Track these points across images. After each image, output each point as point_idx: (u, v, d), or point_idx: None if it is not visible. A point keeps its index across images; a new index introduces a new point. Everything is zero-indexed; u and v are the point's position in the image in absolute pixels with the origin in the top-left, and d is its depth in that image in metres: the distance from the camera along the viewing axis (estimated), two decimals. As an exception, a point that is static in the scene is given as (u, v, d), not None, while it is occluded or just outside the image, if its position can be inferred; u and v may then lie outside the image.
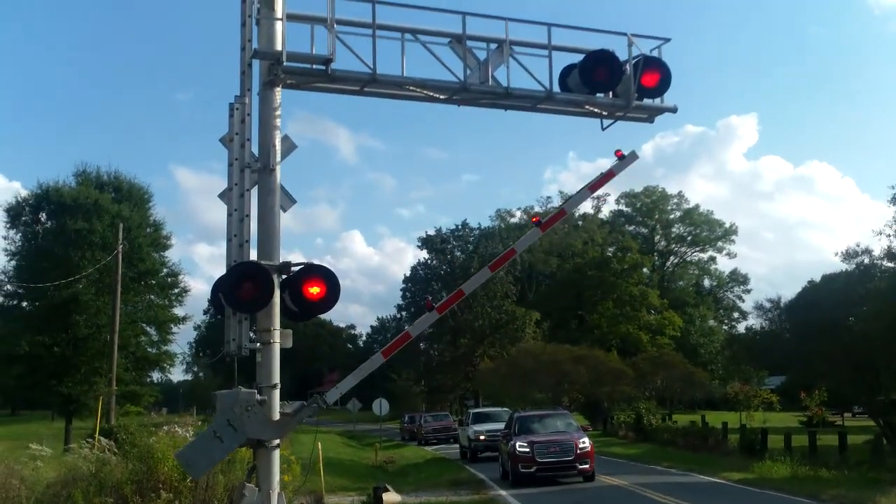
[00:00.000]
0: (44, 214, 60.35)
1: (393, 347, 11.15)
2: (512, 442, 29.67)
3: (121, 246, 41.63)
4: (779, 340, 42.30)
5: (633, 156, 12.11)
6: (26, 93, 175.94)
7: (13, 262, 60.24)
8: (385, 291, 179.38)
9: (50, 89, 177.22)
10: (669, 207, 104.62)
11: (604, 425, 58.66)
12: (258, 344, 10.50)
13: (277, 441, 10.60)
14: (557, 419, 32.40)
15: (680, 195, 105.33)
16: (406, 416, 70.22)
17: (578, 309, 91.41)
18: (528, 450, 28.83)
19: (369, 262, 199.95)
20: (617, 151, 12.08)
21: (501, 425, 36.56)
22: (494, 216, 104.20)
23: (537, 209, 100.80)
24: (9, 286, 59.31)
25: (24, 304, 60.58)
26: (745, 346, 49.99)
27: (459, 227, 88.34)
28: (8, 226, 60.41)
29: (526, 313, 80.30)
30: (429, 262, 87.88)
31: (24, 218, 60.48)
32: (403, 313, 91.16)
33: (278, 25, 10.87)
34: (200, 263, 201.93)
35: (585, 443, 29.00)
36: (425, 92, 11.66)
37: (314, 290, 10.53)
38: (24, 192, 63.33)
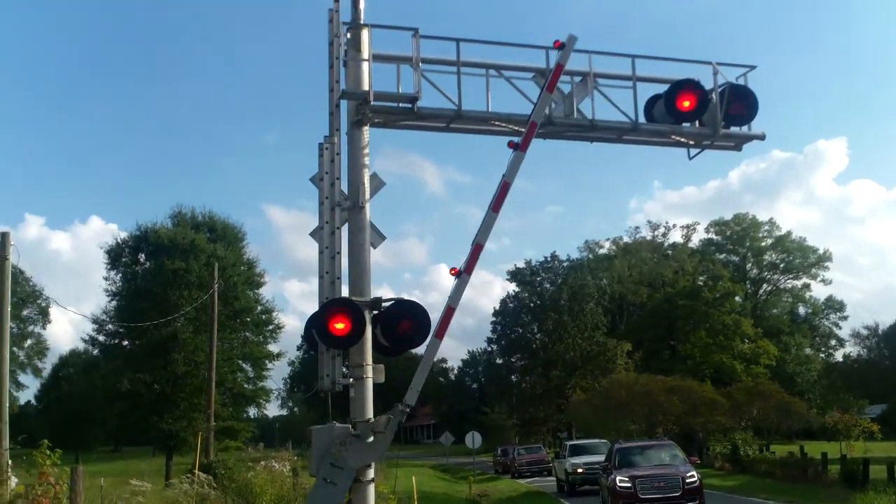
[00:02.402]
0: (143, 255, 62.23)
1: (443, 326, 10.78)
2: (612, 476, 27.43)
3: (216, 285, 42.53)
4: (878, 368, 41.10)
5: (572, 39, 11.24)
6: (120, 137, 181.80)
7: (114, 302, 62.16)
8: (474, 325, 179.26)
9: (143, 134, 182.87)
10: (760, 235, 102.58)
11: (699, 456, 57.50)
12: (351, 379, 10.63)
13: (372, 475, 10.69)
14: (662, 451, 29.72)
15: (771, 222, 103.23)
16: (499, 448, 69.82)
17: (670, 339, 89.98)
18: (629, 485, 26.40)
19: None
20: (555, 42, 11.35)
21: (599, 457, 35.59)
22: (583, 247, 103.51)
23: (626, 240, 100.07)
24: (111, 326, 61.11)
25: (125, 342, 62.32)
26: (843, 375, 48.65)
27: (548, 259, 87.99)
28: (109, 267, 62.43)
29: (617, 344, 79.41)
30: (518, 294, 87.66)
31: (124, 259, 62.48)
32: (494, 346, 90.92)
33: (365, 66, 11.10)
34: (292, 300, 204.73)
35: (694, 477, 26.57)
36: (511, 127, 11.75)
37: (405, 325, 10.65)
38: (122, 234, 65.48)
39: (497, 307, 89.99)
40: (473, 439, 55.30)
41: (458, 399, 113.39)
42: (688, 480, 26.28)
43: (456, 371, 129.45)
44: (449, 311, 10.65)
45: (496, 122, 11.73)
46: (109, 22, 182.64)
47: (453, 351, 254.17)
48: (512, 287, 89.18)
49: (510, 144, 10.98)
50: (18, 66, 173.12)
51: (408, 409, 10.60)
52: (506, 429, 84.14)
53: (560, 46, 11.29)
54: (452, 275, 11.10)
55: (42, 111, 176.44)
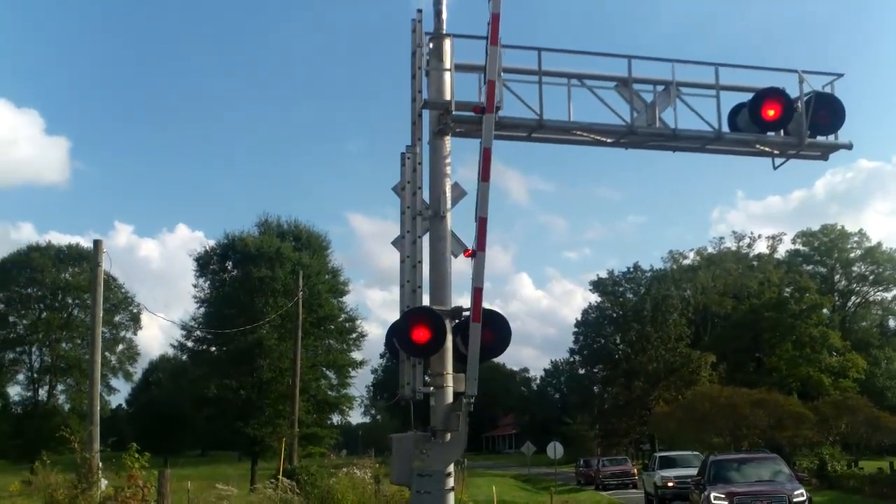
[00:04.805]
0: (230, 263, 63.41)
1: (476, 309, 10.57)
2: (706, 493, 24.43)
3: (301, 292, 43.13)
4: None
5: None
6: (205, 146, 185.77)
7: (202, 309, 63.46)
8: (556, 334, 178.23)
9: (227, 143, 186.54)
10: (849, 246, 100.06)
11: (786, 472, 56.29)
12: (432, 388, 10.71)
13: (451, 483, 10.75)
14: (763, 465, 26.60)
15: (861, 233, 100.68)
16: (582, 460, 69.18)
17: (755, 351, 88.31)
18: (726, 503, 23.64)
19: (538, 304, 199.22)
20: None
21: (690, 470, 33.80)
22: (666, 258, 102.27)
23: (710, 250, 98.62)
24: (199, 332, 62.38)
25: (213, 349, 63.52)
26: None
27: (631, 269, 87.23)
28: (197, 274, 63.83)
29: (701, 356, 78.24)
30: (600, 305, 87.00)
31: (212, 266, 63.80)
32: (576, 357, 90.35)
33: (447, 76, 11.19)
34: (374, 308, 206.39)
35: (802, 497, 23.40)
36: (592, 136, 11.74)
37: (485, 335, 10.54)
38: (210, 242, 66.80)
39: (579, 317, 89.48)
40: (555, 450, 54.90)
41: (540, 409, 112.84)
42: (795, 500, 23.19)
43: (538, 381, 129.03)
44: (477, 293, 10.47)
45: (578, 132, 11.73)
46: (195, 34, 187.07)
47: (535, 360, 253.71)
48: (594, 297, 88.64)
49: (476, 109, 10.77)
50: (107, 78, 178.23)
51: (472, 400, 10.54)
52: (588, 439, 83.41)
53: None
54: (467, 256, 10.92)
55: (129, 122, 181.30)
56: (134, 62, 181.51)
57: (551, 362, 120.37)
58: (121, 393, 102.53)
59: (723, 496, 23.72)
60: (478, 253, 10.59)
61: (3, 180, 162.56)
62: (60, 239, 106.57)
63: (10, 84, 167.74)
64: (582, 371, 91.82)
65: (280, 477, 26.33)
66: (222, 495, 22.11)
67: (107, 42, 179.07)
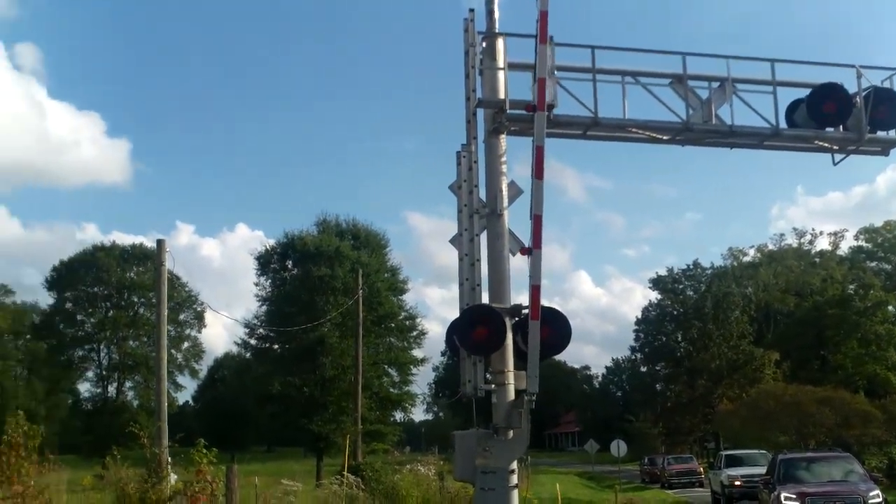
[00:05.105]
0: (290, 262, 64.17)
1: (535, 306, 10.61)
2: (776, 492, 23.31)
3: (361, 291, 43.50)
4: None
5: None
6: (264, 146, 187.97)
7: (264, 307, 64.35)
8: (616, 332, 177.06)
9: (285, 143, 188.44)
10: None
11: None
12: (493, 385, 10.84)
13: (515, 480, 10.89)
14: (834, 464, 25.39)
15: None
16: (646, 458, 68.65)
17: (820, 348, 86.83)
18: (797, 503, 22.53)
19: (598, 302, 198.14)
20: None
21: (757, 469, 33.01)
22: (726, 255, 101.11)
23: (771, 247, 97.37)
24: (261, 330, 63.26)
25: (276, 346, 64.35)
26: None
27: (690, 266, 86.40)
28: (258, 273, 64.75)
29: (764, 353, 77.21)
30: (660, 302, 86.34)
31: (272, 265, 64.63)
32: (638, 354, 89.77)
33: (500, 75, 11.30)
34: (433, 306, 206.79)
35: (878, 497, 22.19)
36: (648, 133, 11.78)
37: (545, 333, 10.62)
38: (270, 241, 67.70)
39: (639, 315, 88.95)
40: (619, 447, 54.68)
41: (602, 407, 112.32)
42: (870, 501, 22.04)
43: (600, 378, 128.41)
44: (535, 291, 10.55)
45: (633, 129, 11.77)
46: (252, 36, 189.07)
47: (596, 358, 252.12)
48: (654, 295, 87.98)
49: (528, 107, 10.85)
50: (166, 80, 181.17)
51: (533, 397, 10.63)
52: (651, 437, 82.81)
53: None
54: (523, 254, 11.00)
55: (188, 123, 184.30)
56: (191, 64, 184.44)
57: (612, 360, 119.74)
58: (187, 390, 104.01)
59: (794, 496, 22.67)
60: (534, 250, 10.67)
61: (68, 182, 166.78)
62: (124, 239, 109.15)
63: (72, 88, 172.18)
64: (644, 369, 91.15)
65: (345, 473, 26.64)
66: (288, 490, 22.47)
67: (164, 44, 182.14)
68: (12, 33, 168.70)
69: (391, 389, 65.04)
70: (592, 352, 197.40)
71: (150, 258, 67.78)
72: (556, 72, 11.16)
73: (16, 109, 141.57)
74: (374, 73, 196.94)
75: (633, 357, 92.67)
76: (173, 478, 16.76)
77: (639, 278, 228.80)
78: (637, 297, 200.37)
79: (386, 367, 64.69)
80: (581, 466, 77.67)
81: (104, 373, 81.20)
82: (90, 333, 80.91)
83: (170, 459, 18.30)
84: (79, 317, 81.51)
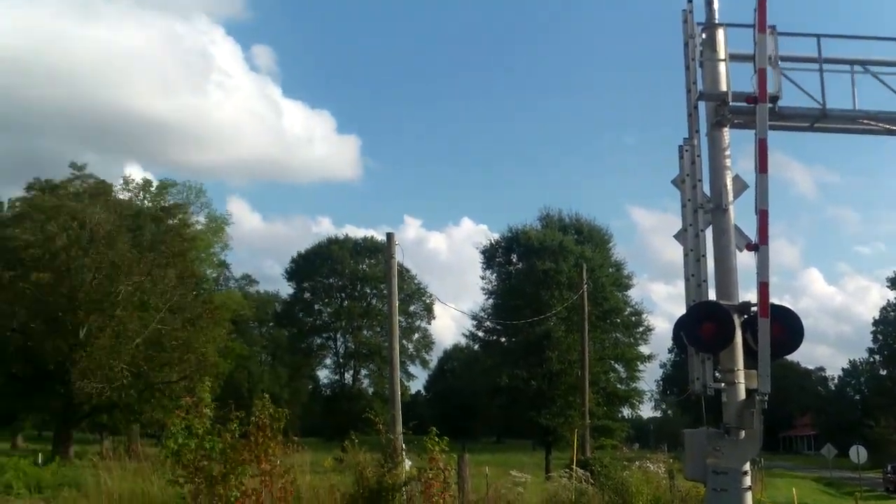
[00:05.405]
0: (514, 256, 64.91)
1: (763, 305, 10.09)
2: None
3: (585, 285, 43.32)
4: None
5: None
6: (488, 143, 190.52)
7: (490, 300, 65.42)
8: (852, 332, 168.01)
9: (509, 140, 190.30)
10: None
11: None
12: (723, 384, 10.56)
13: (748, 482, 10.58)
14: None
15: None
16: (890, 465, 64.64)
17: None
18: None
19: (831, 301, 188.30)
20: None
21: None
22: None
23: None
24: (489, 323, 64.28)
25: (503, 339, 65.21)
26: None
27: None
28: (484, 266, 65.91)
29: None
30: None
31: (497, 259, 65.64)
32: (877, 356, 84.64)
33: (722, 66, 10.99)
34: (659, 302, 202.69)
35: None
36: (881, 125, 11.08)
37: (776, 331, 10.25)
38: (494, 236, 68.63)
39: (877, 315, 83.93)
40: (858, 453, 51.65)
41: (838, 410, 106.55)
42: None
43: (836, 380, 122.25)
44: (763, 288, 10.15)
45: (865, 121, 11.09)
46: (476, 37, 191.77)
47: (831, 359, 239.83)
48: (892, 295, 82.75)
49: (749, 99, 10.35)
50: (392, 78, 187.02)
51: (765, 398, 10.26)
52: (893, 444, 77.86)
53: None
54: (749, 250, 10.62)
55: (414, 120, 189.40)
56: (416, 63, 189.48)
57: (849, 361, 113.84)
58: (418, 379, 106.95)
59: None
60: (760, 246, 10.31)
61: (303, 177, 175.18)
62: (356, 232, 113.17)
63: (304, 87, 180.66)
64: (883, 372, 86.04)
65: (574, 467, 26.62)
66: (517, 482, 22.70)
67: (389, 43, 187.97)
68: (249, 36, 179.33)
69: (618, 385, 64.59)
70: (826, 353, 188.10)
71: (380, 251, 70.31)
72: (779, 62, 10.70)
73: (256, 109, 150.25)
74: (592, 70, 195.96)
75: (872, 359, 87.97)
76: (408, 464, 17.27)
77: (875, 276, 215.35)
78: (873, 297, 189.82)
79: (612, 362, 64.22)
80: (818, 471, 73.88)
81: (341, 360, 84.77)
82: (327, 322, 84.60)
83: (404, 446, 18.84)
84: (316, 306, 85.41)
